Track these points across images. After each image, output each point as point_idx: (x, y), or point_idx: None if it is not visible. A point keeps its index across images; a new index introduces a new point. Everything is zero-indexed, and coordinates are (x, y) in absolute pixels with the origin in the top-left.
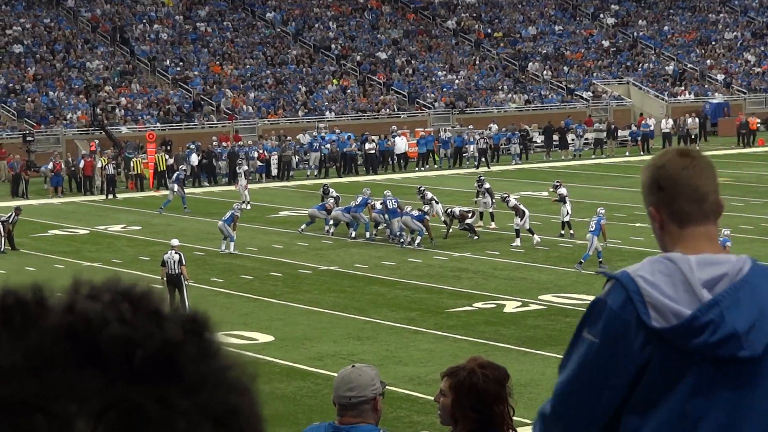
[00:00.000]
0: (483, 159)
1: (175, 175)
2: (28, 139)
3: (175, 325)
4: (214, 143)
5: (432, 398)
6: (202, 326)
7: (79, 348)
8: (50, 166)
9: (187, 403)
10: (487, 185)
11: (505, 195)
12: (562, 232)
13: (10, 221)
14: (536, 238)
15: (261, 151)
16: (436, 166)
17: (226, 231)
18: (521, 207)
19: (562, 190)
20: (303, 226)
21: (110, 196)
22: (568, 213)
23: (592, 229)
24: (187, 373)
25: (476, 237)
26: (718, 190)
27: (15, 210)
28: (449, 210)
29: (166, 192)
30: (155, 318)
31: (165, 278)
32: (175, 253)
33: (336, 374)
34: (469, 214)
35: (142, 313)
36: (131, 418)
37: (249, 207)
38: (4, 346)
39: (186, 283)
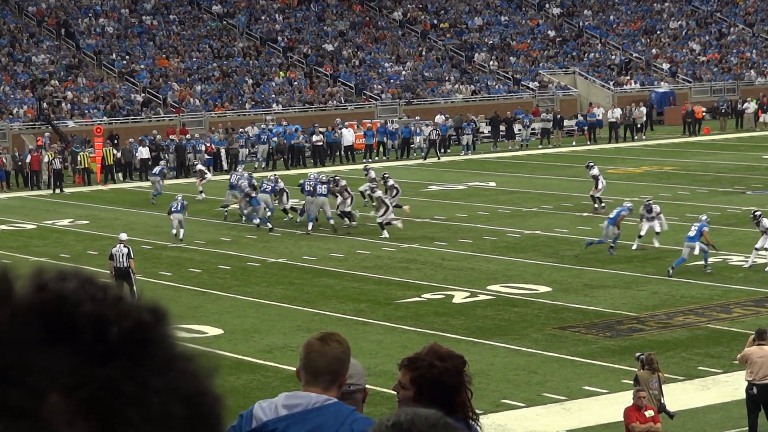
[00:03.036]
0: (433, 149)
1: (158, 169)
2: None
3: (143, 309)
4: (158, 137)
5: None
6: (165, 314)
7: (51, 325)
8: None
9: (159, 381)
10: (391, 182)
11: (386, 174)
12: (596, 206)
13: None
14: (399, 224)
15: (209, 144)
16: (384, 158)
17: (181, 222)
18: (386, 200)
19: (594, 171)
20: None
21: (57, 191)
22: (601, 189)
23: (692, 235)
24: (158, 354)
25: (354, 224)
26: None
27: None
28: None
29: (114, 186)
30: (121, 301)
31: (113, 272)
32: (124, 246)
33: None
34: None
35: (111, 296)
36: (104, 394)
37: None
38: None
39: (134, 276)
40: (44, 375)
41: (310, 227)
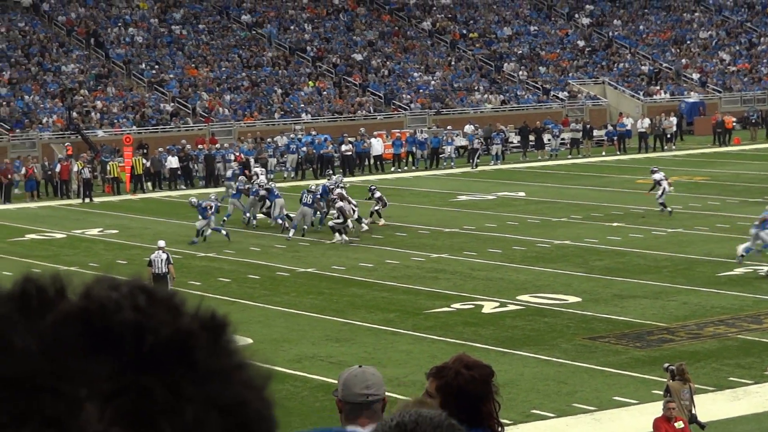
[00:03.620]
0: (472, 159)
1: (230, 172)
2: None
3: (191, 318)
4: (187, 147)
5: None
6: (220, 325)
7: (91, 332)
8: (23, 171)
9: (196, 392)
10: (378, 194)
11: (373, 187)
12: (665, 210)
13: None
14: (341, 237)
15: (238, 154)
16: (414, 168)
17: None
18: (348, 209)
19: (656, 176)
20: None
21: (87, 200)
22: (664, 192)
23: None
24: (199, 364)
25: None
26: None
27: None
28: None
29: (143, 195)
30: (171, 310)
31: (151, 278)
32: (162, 252)
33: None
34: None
35: (158, 305)
36: (140, 403)
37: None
38: (18, 328)
39: (171, 282)
40: (81, 384)
41: (291, 233)
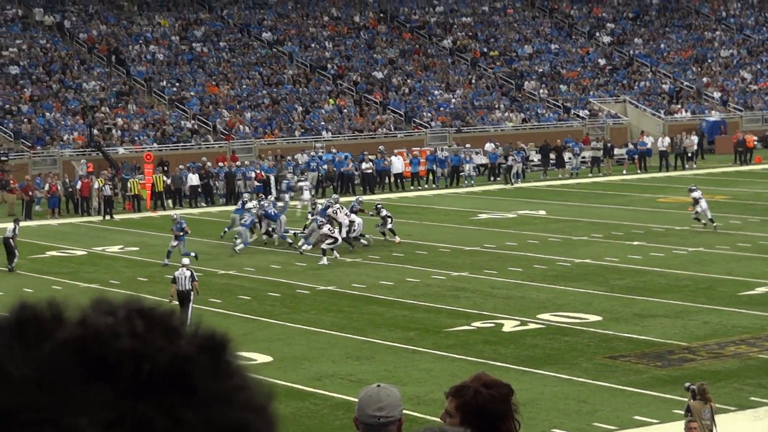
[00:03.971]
0: (508, 176)
1: (286, 183)
2: (2, 158)
3: (189, 342)
4: (208, 164)
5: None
6: (219, 345)
7: (88, 361)
8: (45, 187)
9: (196, 417)
10: (384, 212)
11: (380, 205)
12: (712, 224)
13: (16, 233)
14: (324, 260)
15: (258, 171)
16: (434, 186)
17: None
18: (335, 234)
19: (694, 194)
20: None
21: (107, 217)
22: (705, 210)
23: None
24: (199, 389)
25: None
26: None
27: (14, 221)
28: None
29: (164, 212)
30: (168, 334)
31: (176, 294)
32: (186, 269)
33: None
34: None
35: (156, 329)
36: (139, 431)
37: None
38: (16, 358)
39: (192, 299)
40: (80, 413)
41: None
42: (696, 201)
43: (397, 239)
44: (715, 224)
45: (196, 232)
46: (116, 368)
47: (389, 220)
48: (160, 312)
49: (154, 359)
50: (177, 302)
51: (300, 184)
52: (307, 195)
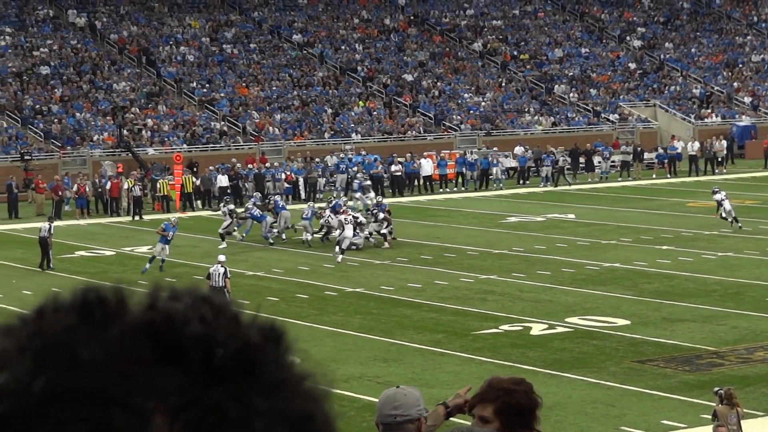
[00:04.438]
0: (562, 177)
1: (357, 183)
2: (26, 157)
3: (254, 330)
4: (237, 165)
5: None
6: (279, 334)
7: (159, 345)
8: (74, 188)
9: (265, 404)
10: (381, 215)
11: (384, 205)
12: (737, 224)
13: (51, 232)
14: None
15: (288, 173)
16: (463, 189)
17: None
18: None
19: (717, 196)
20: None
21: (137, 218)
22: (729, 211)
23: None
24: (266, 376)
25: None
26: None
27: (49, 220)
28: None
29: (193, 213)
30: (234, 321)
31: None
32: (221, 267)
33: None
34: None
35: (222, 316)
36: (209, 417)
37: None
38: (84, 340)
39: (228, 296)
40: (149, 396)
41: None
42: (719, 203)
43: (386, 245)
44: (740, 224)
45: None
46: (187, 353)
47: (385, 223)
48: (222, 300)
49: (225, 345)
50: None
51: (367, 183)
52: (372, 195)
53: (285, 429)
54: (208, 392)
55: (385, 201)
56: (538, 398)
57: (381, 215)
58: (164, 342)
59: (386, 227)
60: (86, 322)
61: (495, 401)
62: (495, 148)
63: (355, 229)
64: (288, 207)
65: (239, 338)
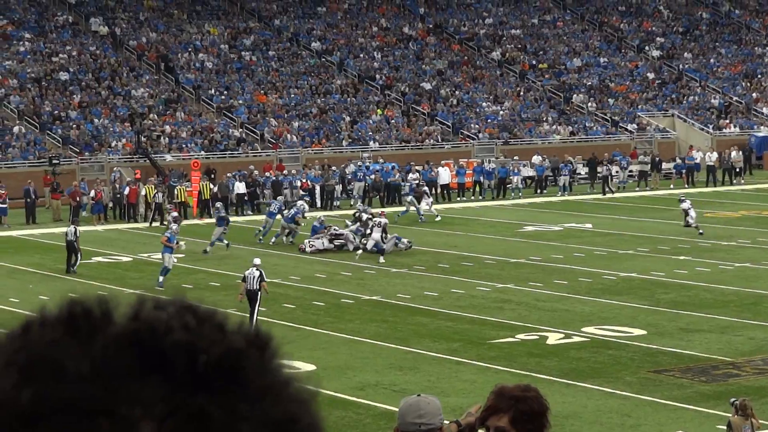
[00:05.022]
0: (606, 185)
1: (275, 205)
2: (54, 162)
3: (238, 336)
4: (255, 173)
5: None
6: (265, 342)
7: (143, 354)
8: (92, 194)
9: (250, 409)
10: (365, 216)
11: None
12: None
13: (76, 235)
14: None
15: (304, 180)
16: (480, 198)
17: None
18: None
19: (683, 205)
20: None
21: (155, 224)
22: (692, 219)
23: None
24: (250, 382)
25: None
26: None
27: (73, 223)
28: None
29: (210, 220)
30: (219, 329)
31: (244, 293)
32: (256, 269)
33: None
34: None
35: (206, 324)
36: (194, 423)
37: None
38: (69, 352)
39: (260, 300)
40: (135, 405)
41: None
42: (686, 212)
43: (357, 256)
44: (701, 231)
45: (241, 240)
46: (171, 361)
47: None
48: (206, 308)
49: (209, 352)
50: (246, 299)
51: (424, 188)
52: (426, 200)
53: None
54: (192, 399)
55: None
56: (546, 402)
57: (365, 216)
58: (148, 351)
59: (366, 235)
60: (71, 334)
61: (509, 410)
62: (516, 157)
63: (383, 234)
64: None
65: (223, 345)
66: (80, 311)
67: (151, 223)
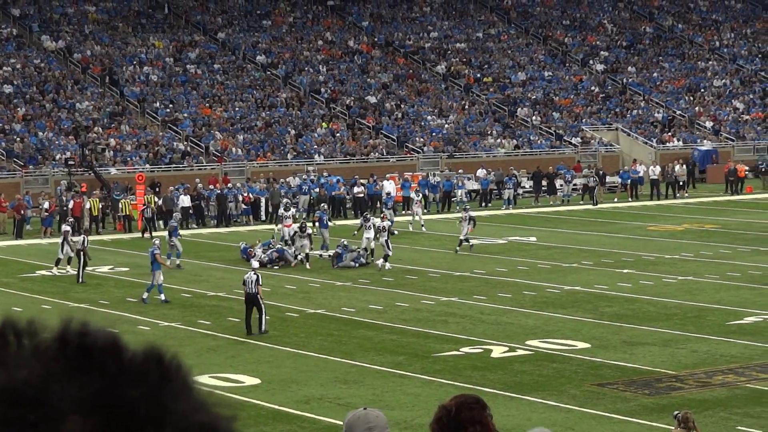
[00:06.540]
0: (588, 195)
1: (171, 225)
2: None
3: (154, 346)
4: (199, 186)
5: None
6: (175, 358)
7: (71, 352)
8: (46, 205)
9: (176, 406)
10: (309, 231)
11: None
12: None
13: (84, 244)
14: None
15: (246, 194)
16: (425, 211)
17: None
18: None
19: (470, 213)
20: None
21: (98, 236)
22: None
23: None
24: (175, 380)
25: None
26: None
27: (84, 232)
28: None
29: (155, 233)
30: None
31: (245, 297)
32: (254, 274)
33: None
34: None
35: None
36: (123, 416)
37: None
38: (7, 351)
39: (261, 301)
40: (64, 397)
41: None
42: (464, 221)
43: (308, 265)
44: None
45: (187, 254)
46: (99, 358)
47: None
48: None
49: (135, 350)
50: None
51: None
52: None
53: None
54: (121, 393)
55: (349, 222)
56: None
57: (308, 231)
58: (77, 350)
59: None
60: (4, 338)
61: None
62: (461, 171)
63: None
64: (249, 227)
65: (145, 344)
66: (10, 329)
67: (143, 234)
